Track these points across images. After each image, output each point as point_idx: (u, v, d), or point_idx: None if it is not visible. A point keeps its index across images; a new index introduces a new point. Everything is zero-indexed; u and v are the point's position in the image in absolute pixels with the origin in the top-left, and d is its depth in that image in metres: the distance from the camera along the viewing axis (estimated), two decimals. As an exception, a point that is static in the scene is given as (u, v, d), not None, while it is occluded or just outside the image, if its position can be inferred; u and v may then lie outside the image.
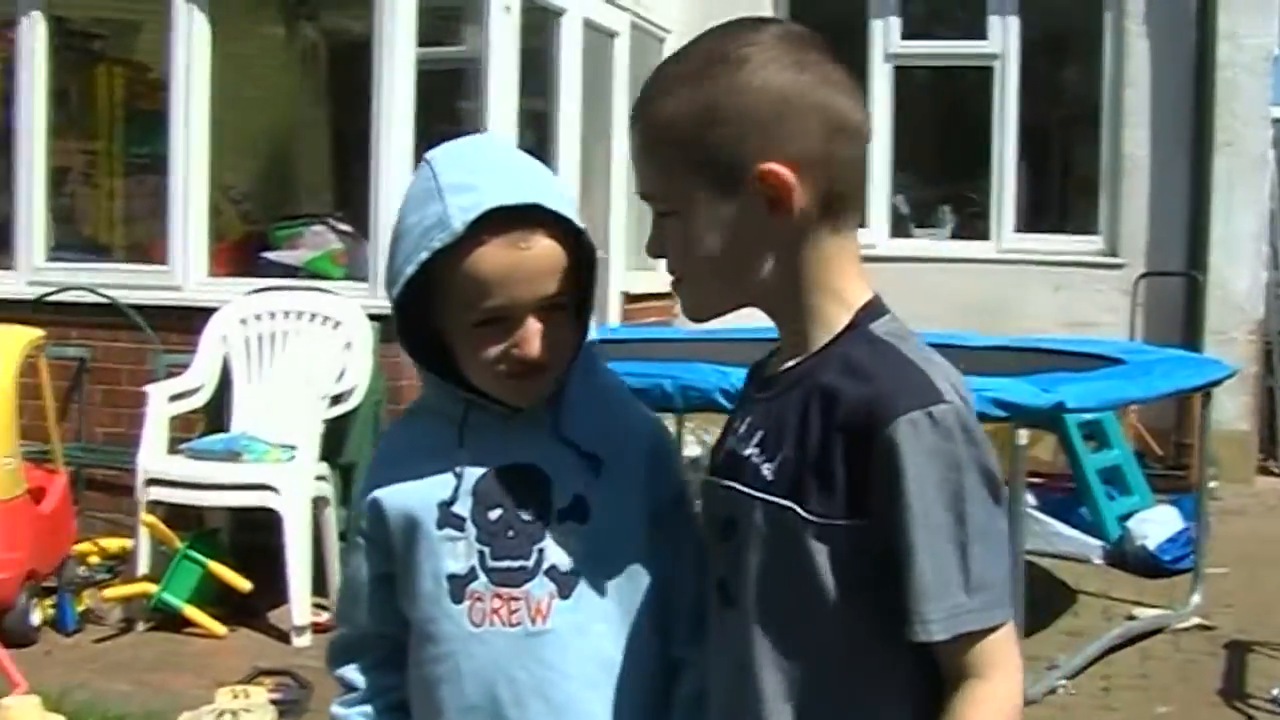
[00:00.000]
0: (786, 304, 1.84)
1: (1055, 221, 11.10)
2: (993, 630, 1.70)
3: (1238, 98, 10.03)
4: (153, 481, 6.35)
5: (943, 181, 11.58)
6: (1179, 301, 10.08)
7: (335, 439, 6.68)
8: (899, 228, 10.80)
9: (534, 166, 2.04)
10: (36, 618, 6.13)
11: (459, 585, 1.99)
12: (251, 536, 6.64)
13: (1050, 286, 10.33)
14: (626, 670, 1.99)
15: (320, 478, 6.50)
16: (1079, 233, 10.65)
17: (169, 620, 6.24)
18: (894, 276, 10.37)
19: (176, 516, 6.56)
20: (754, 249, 1.80)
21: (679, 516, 2.05)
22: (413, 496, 2.03)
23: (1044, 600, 6.69)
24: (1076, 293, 10.31)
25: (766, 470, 1.78)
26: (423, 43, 7.57)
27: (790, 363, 1.84)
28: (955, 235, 10.97)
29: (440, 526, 2.00)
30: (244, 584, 6.20)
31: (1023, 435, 5.37)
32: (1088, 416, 7.75)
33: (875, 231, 10.53)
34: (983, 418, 5.30)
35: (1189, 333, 9.90)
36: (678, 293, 1.90)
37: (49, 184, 8.22)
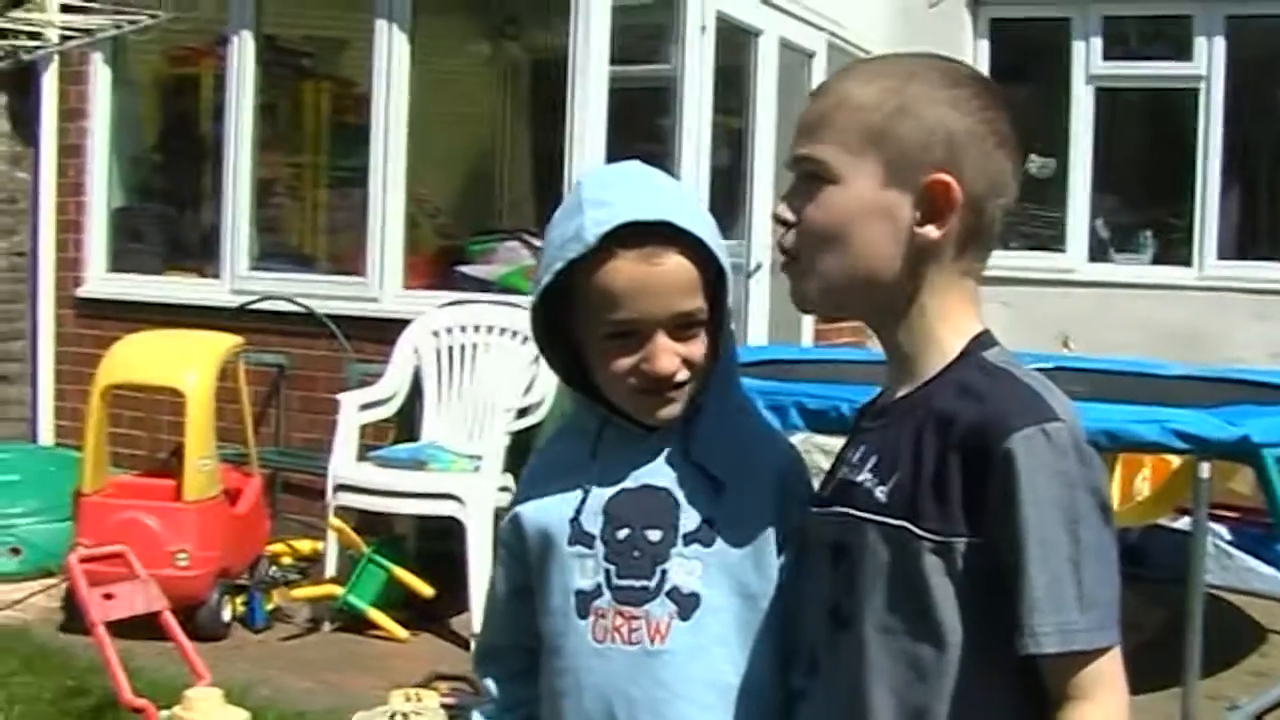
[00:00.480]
0: (899, 323, 1.88)
1: (1262, 248, 10.80)
2: (1101, 652, 1.70)
3: None
4: (342, 487, 6.51)
5: (1144, 206, 11.32)
6: (1389, 332, 9.75)
7: (520, 451, 6.75)
8: (1098, 252, 10.61)
9: (673, 187, 2.09)
10: (227, 613, 6.33)
11: (585, 601, 2.04)
12: (436, 544, 6.77)
13: (1255, 315, 10.06)
14: (742, 696, 2.01)
15: (504, 489, 6.58)
16: (1285, 259, 10.36)
17: (354, 622, 6.39)
18: (1092, 302, 10.28)
19: (364, 522, 6.73)
20: (890, 246, 1.84)
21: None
22: (549, 512, 2.09)
23: (1232, 638, 6.54)
24: (1282, 322, 10.03)
25: (880, 493, 1.80)
26: (619, 61, 7.63)
27: (902, 392, 1.86)
28: (1156, 260, 10.73)
29: (572, 543, 2.06)
30: (427, 590, 6.32)
31: (1204, 469, 5.25)
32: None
33: (1074, 255, 10.39)
34: (1164, 449, 5.18)
35: (1399, 365, 9.56)
36: (788, 272, 1.93)
37: (254, 196, 8.46)
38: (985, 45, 10.80)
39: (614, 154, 7.57)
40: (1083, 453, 1.72)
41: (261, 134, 8.54)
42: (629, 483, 2.05)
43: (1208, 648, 5.15)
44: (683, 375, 2.01)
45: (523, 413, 6.69)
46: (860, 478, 1.84)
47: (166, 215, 9.30)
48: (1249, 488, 8.29)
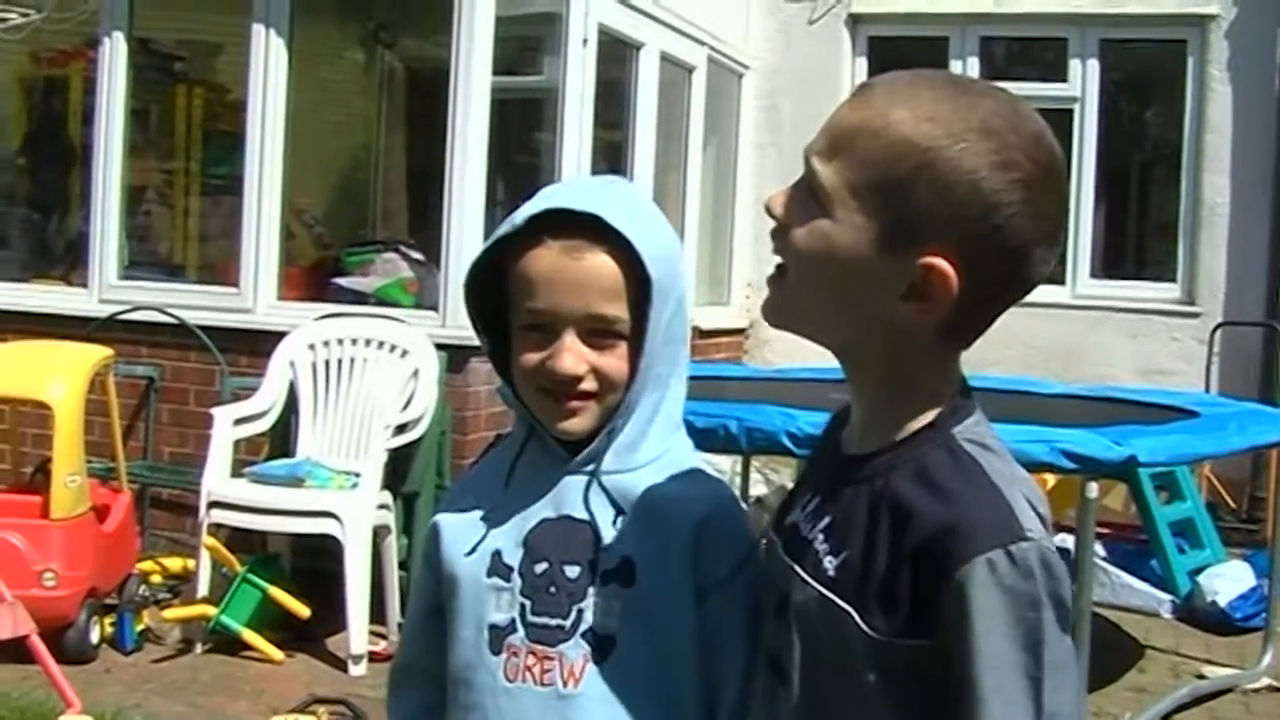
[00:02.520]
0: (871, 375, 1.74)
1: (1132, 268, 10.96)
2: None
3: (1322, 146, 9.88)
4: (215, 504, 6.35)
5: (1019, 224, 11.44)
6: (1257, 352, 9.91)
7: (399, 468, 6.66)
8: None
9: (628, 197, 1.98)
10: (95, 635, 6.14)
11: (499, 636, 1.94)
12: (312, 562, 6.63)
13: (1126, 334, 10.21)
14: None
15: (383, 506, 6.48)
16: (1156, 279, 10.50)
17: (227, 643, 6.23)
18: (967, 320, 10.47)
19: (238, 540, 6.58)
20: (867, 308, 1.67)
21: (727, 603, 1.92)
22: (468, 530, 2.00)
23: (1111, 654, 6.59)
24: (1153, 341, 10.18)
25: (829, 564, 1.69)
26: (500, 72, 7.56)
27: (864, 448, 1.73)
28: (1030, 279, 10.82)
29: (490, 574, 1.96)
30: (303, 610, 6.19)
31: (1093, 488, 5.28)
32: (1159, 470, 7.63)
33: (949, 273, 10.45)
34: (1053, 469, 5.21)
35: (1266, 384, 9.73)
36: (771, 284, 1.74)
37: (124, 202, 8.27)
38: (863, 63, 10.86)
39: (494, 165, 7.50)
40: (1049, 567, 1.60)
41: (133, 139, 8.36)
42: (551, 511, 1.95)
43: (1089, 665, 5.16)
44: (589, 384, 1.90)
45: (401, 429, 6.57)
46: (811, 536, 1.73)
47: (32, 221, 9.11)
48: (1120, 504, 8.42)
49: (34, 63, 9.07)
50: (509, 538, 1.96)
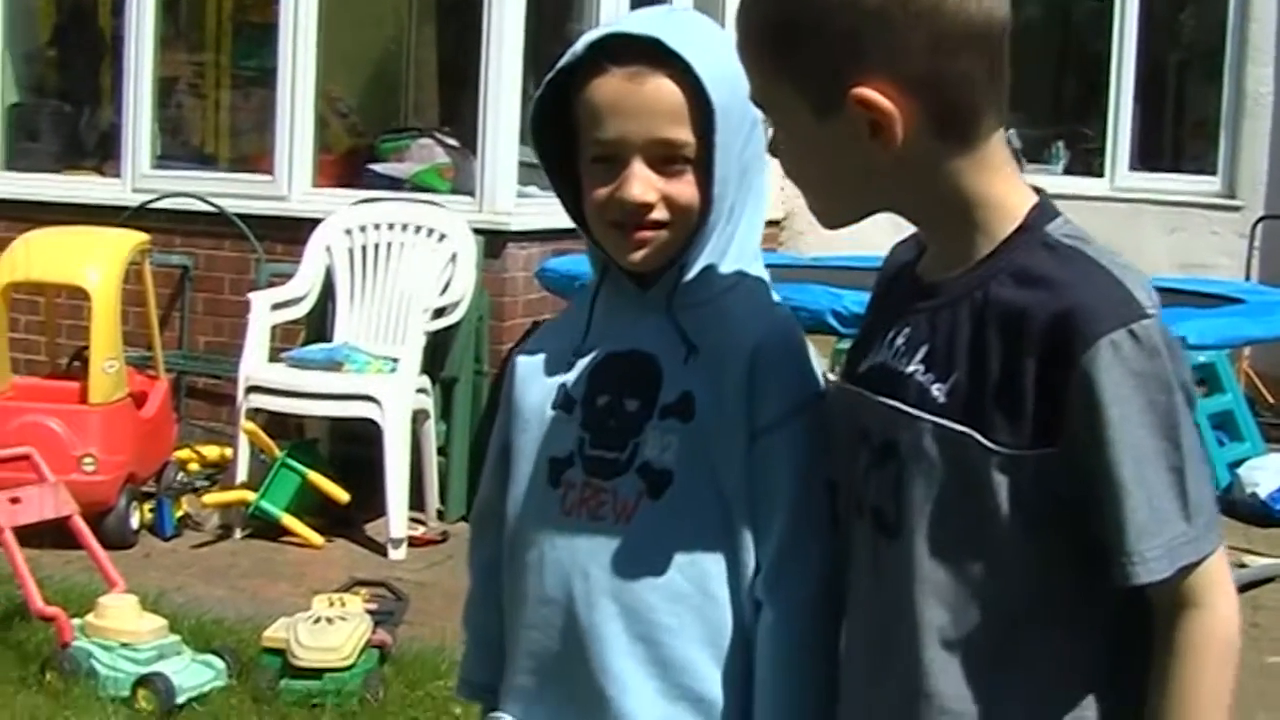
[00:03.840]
0: (930, 218, 1.69)
1: (1172, 161, 10.83)
2: (1208, 556, 1.56)
3: (1368, 37, 9.72)
4: (253, 389, 6.32)
5: (1056, 117, 11.34)
6: (1298, 247, 9.81)
7: (437, 353, 6.63)
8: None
9: (690, 21, 1.94)
10: (135, 521, 6.14)
11: (557, 469, 1.91)
12: (350, 448, 6.62)
13: (1165, 227, 10.08)
14: (709, 587, 1.85)
15: (421, 391, 6.45)
16: (1196, 173, 10.36)
17: (266, 528, 6.23)
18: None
19: (276, 426, 6.56)
20: (867, 173, 1.64)
21: (781, 442, 1.84)
22: (541, 368, 1.98)
23: (1151, 542, 6.54)
24: (1192, 234, 10.05)
25: (937, 391, 1.61)
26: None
27: (953, 271, 1.66)
28: (1068, 171, 10.73)
29: (555, 406, 1.93)
30: (342, 495, 6.17)
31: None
32: (1201, 359, 7.56)
33: (986, 166, 10.35)
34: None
35: (1308, 278, 9.64)
36: (805, 196, 1.75)
37: (156, 94, 8.19)
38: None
39: (530, 56, 7.42)
40: (1172, 347, 1.55)
41: (163, 30, 8.26)
42: (618, 345, 1.92)
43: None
44: (660, 213, 1.85)
45: (439, 313, 6.53)
46: (909, 368, 1.65)
47: (63, 113, 9.02)
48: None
49: (63, -48, 9.00)
50: (578, 373, 1.93)
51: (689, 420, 1.85)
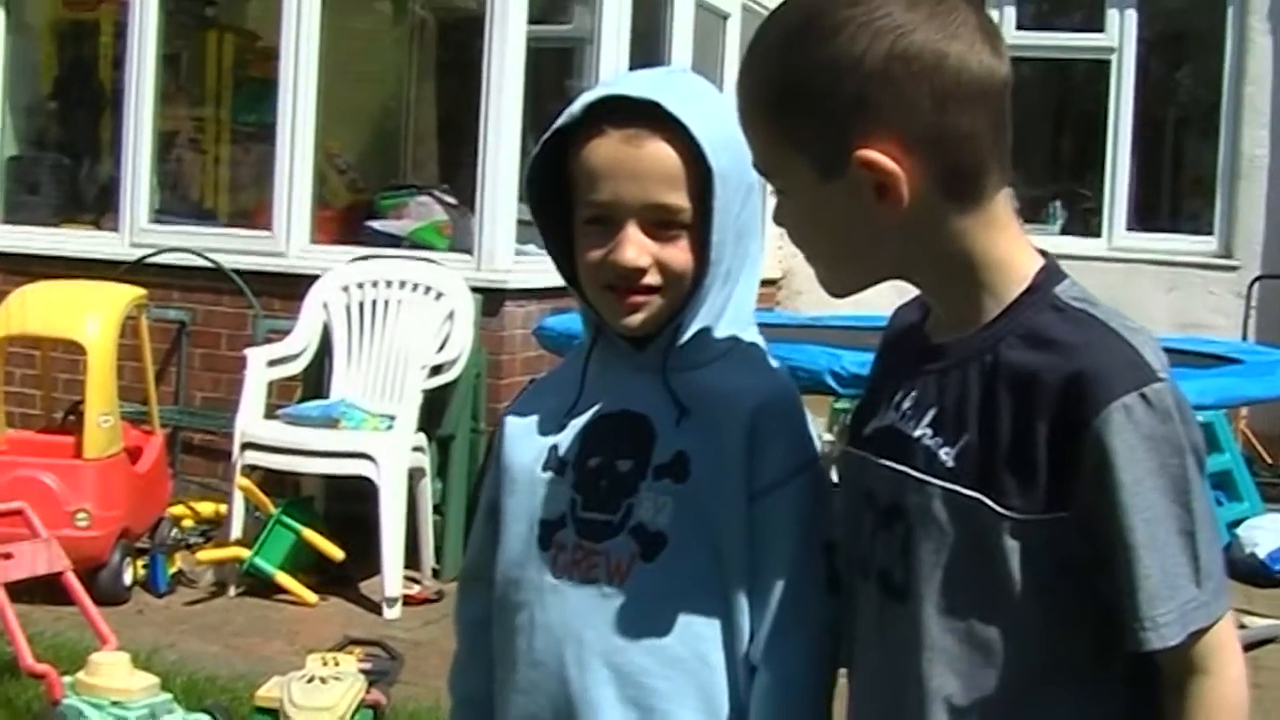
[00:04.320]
0: (937, 279, 1.67)
1: (1169, 221, 10.88)
2: (1217, 620, 1.55)
3: (1363, 98, 9.78)
4: (249, 445, 6.30)
5: (1055, 176, 11.40)
6: (1294, 306, 9.83)
7: (434, 411, 6.61)
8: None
9: (689, 84, 1.93)
10: (129, 577, 6.10)
11: (549, 531, 1.90)
12: (346, 505, 6.58)
13: (1162, 287, 10.12)
14: (703, 652, 1.83)
15: (417, 449, 6.43)
16: (1193, 233, 10.43)
17: (260, 586, 6.19)
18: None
19: (272, 483, 6.53)
20: (874, 235, 1.63)
21: (779, 505, 1.84)
22: (532, 429, 1.97)
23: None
24: (1189, 294, 10.09)
25: (945, 455, 1.60)
26: (535, 20, 7.51)
27: (962, 332, 1.65)
28: (1065, 231, 10.76)
29: (544, 468, 1.92)
30: (337, 552, 6.14)
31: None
32: (1199, 418, 7.55)
33: (983, 225, 10.39)
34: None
35: (1304, 338, 9.65)
36: (813, 265, 1.74)
37: (155, 148, 8.23)
38: (899, 12, 10.75)
39: (528, 114, 7.46)
40: (1183, 410, 1.55)
41: (163, 85, 8.31)
42: (610, 406, 1.91)
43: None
44: (653, 278, 1.84)
45: (436, 370, 6.52)
46: (917, 432, 1.64)
47: (63, 166, 9.07)
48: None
49: (64, 6, 9.08)
50: (568, 433, 1.92)
51: (683, 481, 1.84)
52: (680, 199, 1.83)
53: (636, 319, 1.87)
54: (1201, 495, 1.54)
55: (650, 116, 1.81)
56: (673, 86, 1.87)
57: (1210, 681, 1.55)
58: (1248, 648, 6.17)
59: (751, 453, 1.84)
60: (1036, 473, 1.54)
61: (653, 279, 1.84)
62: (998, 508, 1.55)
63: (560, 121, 1.86)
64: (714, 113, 1.84)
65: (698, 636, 1.83)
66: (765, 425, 1.86)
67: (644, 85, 1.85)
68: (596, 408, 1.92)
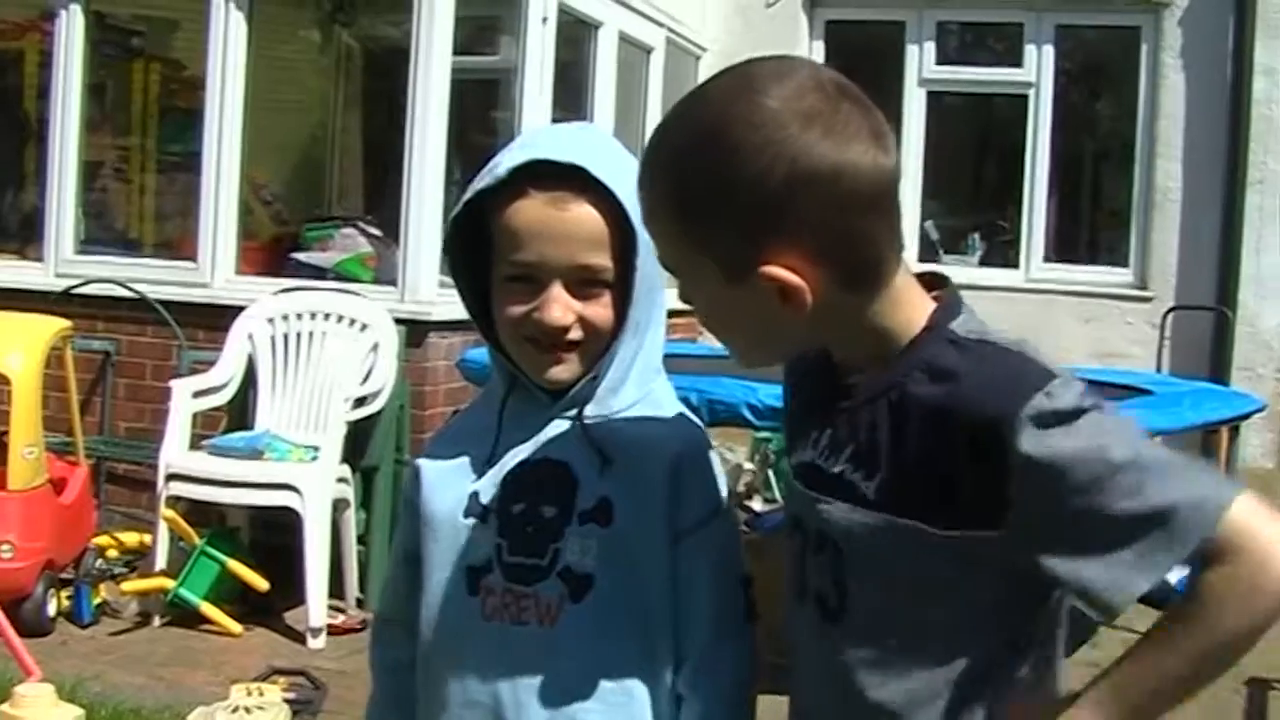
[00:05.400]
0: (843, 344, 1.75)
1: (1085, 252, 11.06)
2: (1221, 510, 1.57)
3: (1273, 134, 9.98)
4: (174, 477, 6.32)
5: (974, 208, 11.56)
6: (1207, 336, 10.02)
7: (358, 442, 6.65)
8: (928, 253, 10.73)
9: (606, 145, 1.98)
10: (52, 608, 6.10)
11: (475, 577, 1.96)
12: (270, 536, 6.62)
13: (1079, 317, 10.29)
14: (631, 686, 1.92)
15: (342, 480, 6.47)
16: (1109, 264, 10.61)
17: (185, 616, 6.20)
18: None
19: (196, 513, 6.55)
20: (780, 329, 1.69)
21: (700, 547, 1.93)
22: (449, 475, 2.01)
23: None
24: (1105, 324, 10.27)
25: (866, 489, 1.68)
26: (459, 51, 7.56)
27: (868, 371, 1.73)
28: (984, 262, 10.93)
29: (467, 515, 1.97)
30: (261, 583, 6.17)
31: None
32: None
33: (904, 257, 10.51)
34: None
35: (1216, 368, 9.83)
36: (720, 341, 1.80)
37: (80, 178, 8.22)
38: (820, 46, 10.90)
39: (452, 144, 7.51)
40: (1085, 395, 1.61)
41: (89, 114, 8.30)
42: (529, 453, 1.97)
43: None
44: (576, 334, 1.91)
45: (360, 402, 6.56)
46: (837, 468, 1.72)
47: (-15, 196, 9.01)
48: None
49: (-13, 36, 9.01)
50: (488, 480, 1.98)
51: (607, 525, 1.92)
52: (605, 260, 1.90)
53: (560, 370, 1.94)
54: (1125, 441, 1.58)
55: (573, 178, 1.87)
56: (592, 147, 1.93)
57: (1218, 569, 1.58)
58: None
59: (674, 497, 1.93)
60: (954, 494, 1.61)
61: (575, 334, 1.92)
62: (926, 528, 1.63)
63: (483, 183, 1.91)
64: (631, 173, 1.88)
65: (626, 671, 1.92)
66: (685, 471, 1.95)
67: (565, 148, 1.90)
68: (516, 455, 1.97)
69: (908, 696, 1.70)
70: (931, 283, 1.76)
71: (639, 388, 1.99)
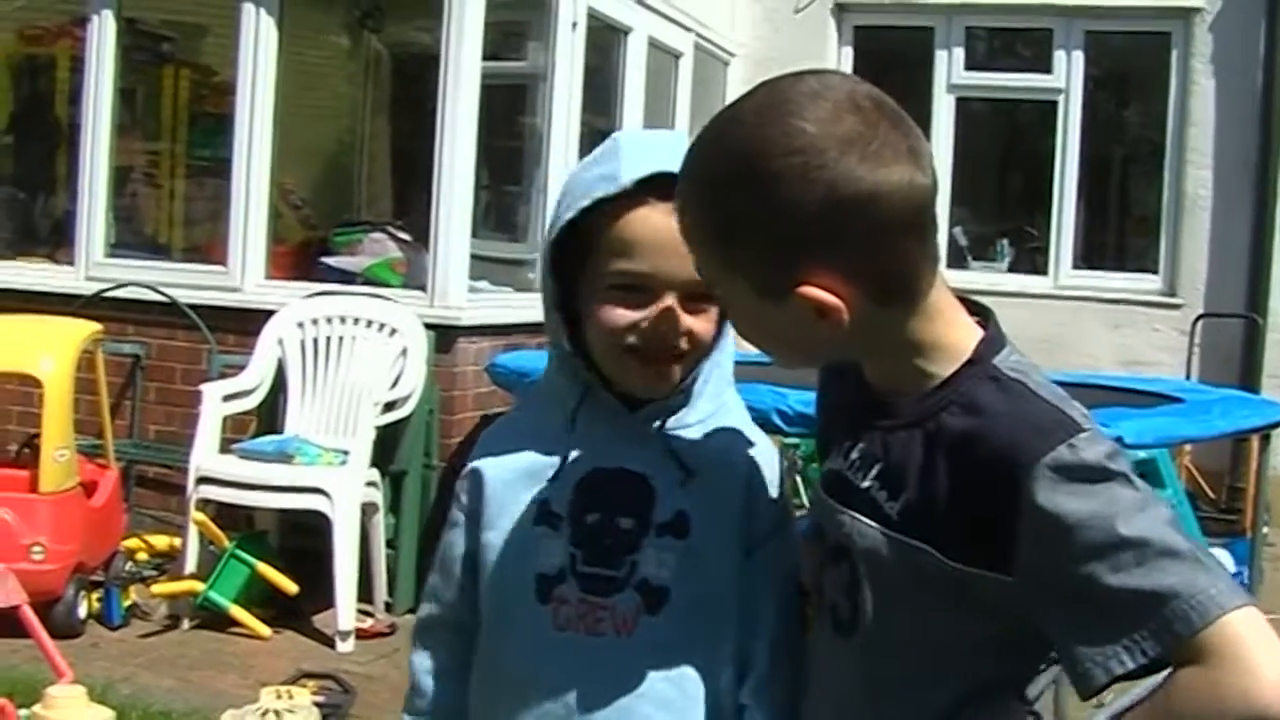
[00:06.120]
0: (880, 362, 1.74)
1: (1114, 259, 11.02)
2: (1208, 625, 1.50)
3: (1303, 140, 9.94)
4: (204, 480, 6.34)
5: (1002, 215, 11.54)
6: (1237, 344, 9.97)
7: (387, 446, 6.67)
8: (956, 259, 10.71)
9: None
10: (83, 610, 6.13)
11: (547, 585, 1.94)
12: (299, 540, 6.64)
13: (1107, 324, 10.26)
14: (698, 694, 1.92)
15: (371, 484, 6.49)
16: (1138, 271, 10.56)
17: (214, 619, 6.23)
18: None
19: (226, 517, 6.57)
20: (816, 343, 1.69)
21: (767, 559, 1.95)
22: (515, 480, 1.99)
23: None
24: (1134, 331, 10.23)
25: (890, 509, 1.68)
26: (488, 57, 7.57)
27: (906, 394, 1.71)
28: (1013, 269, 10.91)
29: (537, 522, 1.96)
30: (290, 586, 6.19)
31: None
32: (1142, 455, 7.65)
33: (932, 262, 10.50)
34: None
35: (1246, 375, 9.79)
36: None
37: (111, 182, 8.25)
38: (849, 52, 10.89)
39: (481, 149, 7.52)
40: (1112, 457, 1.58)
41: (120, 119, 8.34)
42: (604, 462, 1.95)
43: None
44: (683, 346, 1.90)
45: (389, 406, 6.58)
46: (864, 483, 1.72)
47: (18, 200, 9.10)
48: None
49: (20, 41, 9.08)
50: (557, 487, 1.96)
51: (684, 537, 1.92)
52: None
53: (660, 385, 1.93)
54: (1140, 520, 1.54)
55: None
56: None
57: (1195, 673, 1.51)
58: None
59: (747, 511, 1.94)
60: (974, 532, 1.60)
61: (684, 347, 1.91)
62: (940, 557, 1.62)
63: (605, 191, 1.88)
64: None
65: (697, 682, 1.91)
66: (758, 483, 1.97)
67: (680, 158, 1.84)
68: (589, 463, 1.95)
69: (912, 716, 1.70)
70: (972, 308, 1.76)
71: (714, 400, 1.99)
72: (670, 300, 1.88)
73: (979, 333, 1.72)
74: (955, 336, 1.71)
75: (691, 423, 1.97)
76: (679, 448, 1.94)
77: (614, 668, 1.91)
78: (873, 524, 1.69)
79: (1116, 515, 1.54)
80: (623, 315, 1.89)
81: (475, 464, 2.04)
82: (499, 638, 1.99)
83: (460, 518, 2.05)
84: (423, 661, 2.12)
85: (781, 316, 1.66)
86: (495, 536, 2.00)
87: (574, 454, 1.96)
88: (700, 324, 1.90)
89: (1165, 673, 1.53)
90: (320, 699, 5.20)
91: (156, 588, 6.35)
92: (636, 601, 1.91)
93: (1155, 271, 10.42)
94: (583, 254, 1.92)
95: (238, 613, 6.16)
